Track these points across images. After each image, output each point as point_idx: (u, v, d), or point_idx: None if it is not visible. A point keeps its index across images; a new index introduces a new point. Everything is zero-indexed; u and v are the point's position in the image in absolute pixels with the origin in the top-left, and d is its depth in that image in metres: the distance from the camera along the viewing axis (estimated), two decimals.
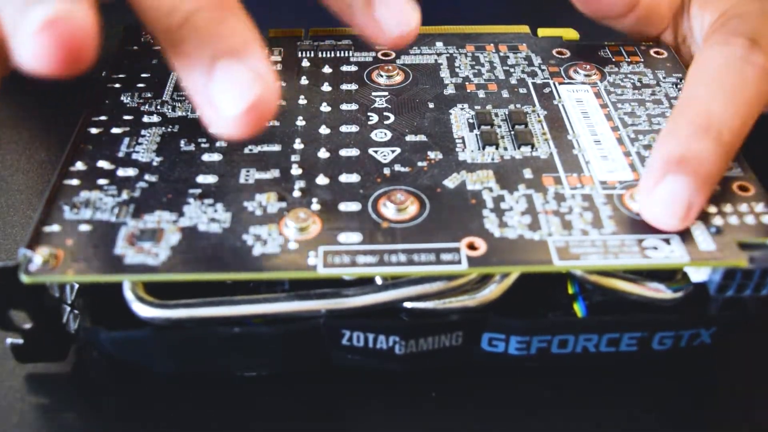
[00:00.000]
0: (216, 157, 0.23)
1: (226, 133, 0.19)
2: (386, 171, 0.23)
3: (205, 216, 0.21)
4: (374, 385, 0.22)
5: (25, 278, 0.19)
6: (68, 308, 0.22)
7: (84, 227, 0.21)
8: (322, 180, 0.22)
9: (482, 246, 0.20)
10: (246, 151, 0.23)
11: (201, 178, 0.22)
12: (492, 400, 0.22)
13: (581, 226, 0.21)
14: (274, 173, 0.23)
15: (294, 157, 0.23)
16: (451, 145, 0.24)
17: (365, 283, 0.21)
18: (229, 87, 0.19)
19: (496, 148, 0.24)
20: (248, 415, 0.22)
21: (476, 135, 0.24)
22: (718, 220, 0.21)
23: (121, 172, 0.22)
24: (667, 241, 0.20)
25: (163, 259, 0.20)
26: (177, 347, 0.21)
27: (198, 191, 0.22)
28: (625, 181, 0.22)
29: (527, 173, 0.23)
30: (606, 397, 0.22)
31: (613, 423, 0.21)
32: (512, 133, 0.24)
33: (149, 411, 0.22)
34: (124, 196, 0.22)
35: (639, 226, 0.21)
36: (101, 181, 0.22)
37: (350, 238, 0.20)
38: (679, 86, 0.27)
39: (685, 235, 0.20)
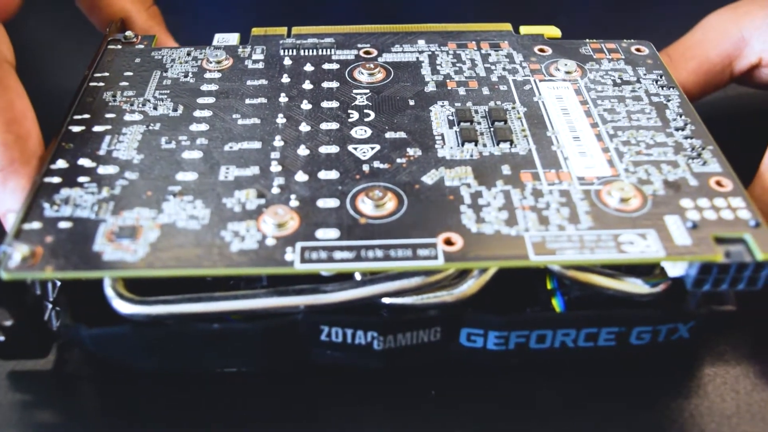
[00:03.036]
0: (196, 154, 0.23)
1: None
2: (365, 168, 0.23)
3: (184, 213, 0.21)
4: (356, 384, 0.22)
5: (3, 275, 0.19)
6: (50, 305, 0.22)
7: (64, 224, 0.21)
8: (301, 177, 0.22)
9: (459, 241, 0.20)
10: (226, 148, 0.24)
11: (181, 176, 0.22)
12: (477, 400, 0.22)
13: (558, 221, 0.21)
14: (254, 170, 0.23)
15: (274, 155, 0.23)
16: (430, 142, 0.24)
17: (344, 279, 0.21)
18: None
19: (475, 145, 0.24)
20: (231, 411, 0.22)
21: (456, 132, 0.24)
22: (694, 215, 0.21)
23: (102, 170, 0.23)
24: (644, 236, 0.20)
25: (141, 256, 0.20)
26: (157, 344, 0.21)
27: (178, 188, 0.22)
28: (603, 176, 0.22)
29: (505, 169, 0.23)
30: (584, 393, 0.22)
31: (601, 417, 0.22)
32: (492, 129, 0.24)
33: (130, 408, 0.22)
34: (104, 193, 0.22)
35: (615, 221, 0.21)
36: (82, 179, 0.22)
37: (328, 234, 0.20)
38: (659, 83, 0.27)
39: (661, 229, 0.21)
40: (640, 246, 0.20)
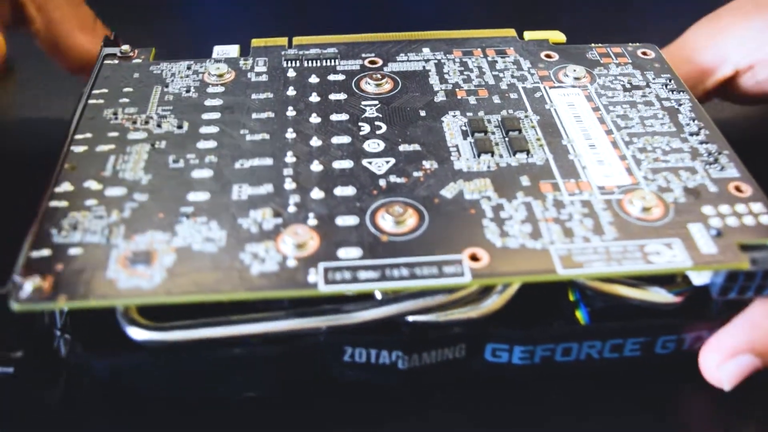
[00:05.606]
0: (206, 173, 0.23)
1: None
2: (382, 182, 0.22)
3: (200, 235, 0.20)
4: (376, 401, 0.22)
5: (15, 306, 0.18)
6: (58, 333, 0.21)
7: (74, 251, 0.20)
8: (317, 194, 0.22)
9: (485, 257, 0.20)
10: (237, 165, 0.23)
11: (192, 196, 0.22)
12: (496, 409, 0.22)
13: (582, 233, 0.21)
14: (268, 188, 0.22)
15: (287, 171, 0.23)
16: (445, 154, 0.23)
17: (365, 299, 0.20)
18: None
19: (492, 156, 0.23)
20: None
21: (470, 143, 0.24)
22: (717, 222, 0.21)
23: (109, 192, 0.22)
24: (669, 245, 0.20)
25: (159, 282, 0.19)
26: (174, 371, 0.21)
27: (190, 209, 0.21)
28: (623, 185, 0.22)
29: (524, 180, 0.22)
30: (611, 403, 0.22)
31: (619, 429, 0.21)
32: (506, 139, 0.24)
33: None
34: (114, 217, 0.21)
35: (639, 231, 0.21)
36: (89, 202, 0.21)
37: (350, 253, 0.20)
38: (669, 87, 0.27)
39: (686, 238, 0.20)
40: (666, 256, 0.20)
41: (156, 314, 0.20)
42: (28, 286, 0.19)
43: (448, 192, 0.22)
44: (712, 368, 0.21)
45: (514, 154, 0.23)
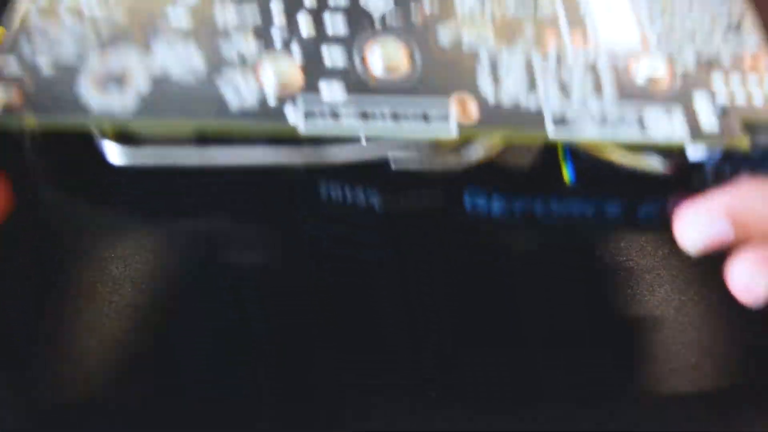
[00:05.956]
0: None
1: None
2: (377, 16, 0.21)
3: (177, 57, 0.19)
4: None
5: None
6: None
7: (43, 61, 0.19)
8: (304, 19, 0.20)
9: (475, 111, 0.19)
10: None
11: (171, 10, 0.20)
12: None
13: (581, 92, 0.19)
14: (252, 7, 0.20)
15: None
16: None
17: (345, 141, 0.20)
18: None
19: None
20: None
21: None
22: (724, 95, 0.20)
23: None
24: (669, 116, 0.19)
25: (133, 106, 0.18)
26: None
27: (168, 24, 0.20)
28: (632, 46, 0.21)
29: (528, 27, 0.21)
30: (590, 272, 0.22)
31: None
32: None
33: None
34: (87, 27, 0.20)
35: (642, 96, 0.20)
36: (62, 8, 0.20)
37: (334, 91, 0.19)
38: None
39: (689, 110, 0.19)
40: (665, 128, 0.19)
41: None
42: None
43: (446, 33, 0.20)
44: (683, 227, 0.21)
45: None
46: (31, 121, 0.18)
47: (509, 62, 0.20)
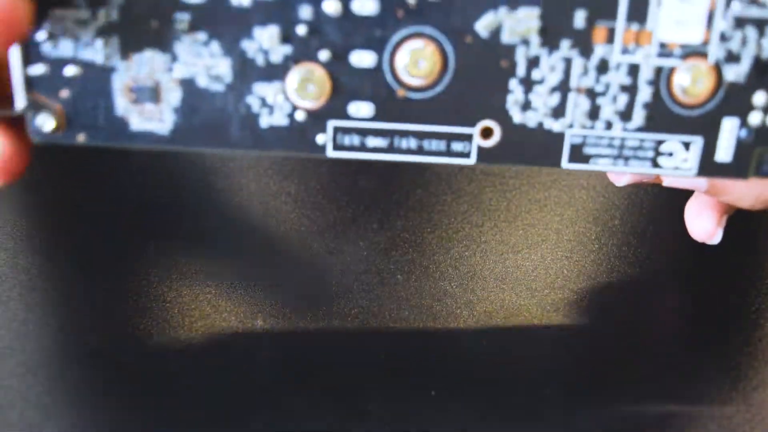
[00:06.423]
0: None
1: None
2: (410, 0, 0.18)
3: (201, 63, 0.19)
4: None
5: (36, 139, 0.19)
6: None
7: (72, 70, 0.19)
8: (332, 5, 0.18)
9: (497, 134, 0.19)
10: None
11: None
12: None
13: (609, 112, 0.19)
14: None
15: None
16: None
17: None
18: None
19: None
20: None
21: None
22: (757, 117, 0.19)
23: None
24: (687, 146, 0.20)
25: (171, 128, 0.19)
26: None
27: (186, 18, 0.18)
28: (689, 45, 0.19)
29: (579, 18, 0.19)
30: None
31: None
32: None
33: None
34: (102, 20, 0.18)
35: (669, 119, 0.19)
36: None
37: (361, 110, 0.19)
38: None
39: (709, 142, 0.19)
40: (676, 160, 0.20)
41: None
42: (42, 120, 0.19)
43: (484, 26, 0.19)
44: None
45: None
46: (81, 139, 0.19)
47: (547, 64, 0.19)
